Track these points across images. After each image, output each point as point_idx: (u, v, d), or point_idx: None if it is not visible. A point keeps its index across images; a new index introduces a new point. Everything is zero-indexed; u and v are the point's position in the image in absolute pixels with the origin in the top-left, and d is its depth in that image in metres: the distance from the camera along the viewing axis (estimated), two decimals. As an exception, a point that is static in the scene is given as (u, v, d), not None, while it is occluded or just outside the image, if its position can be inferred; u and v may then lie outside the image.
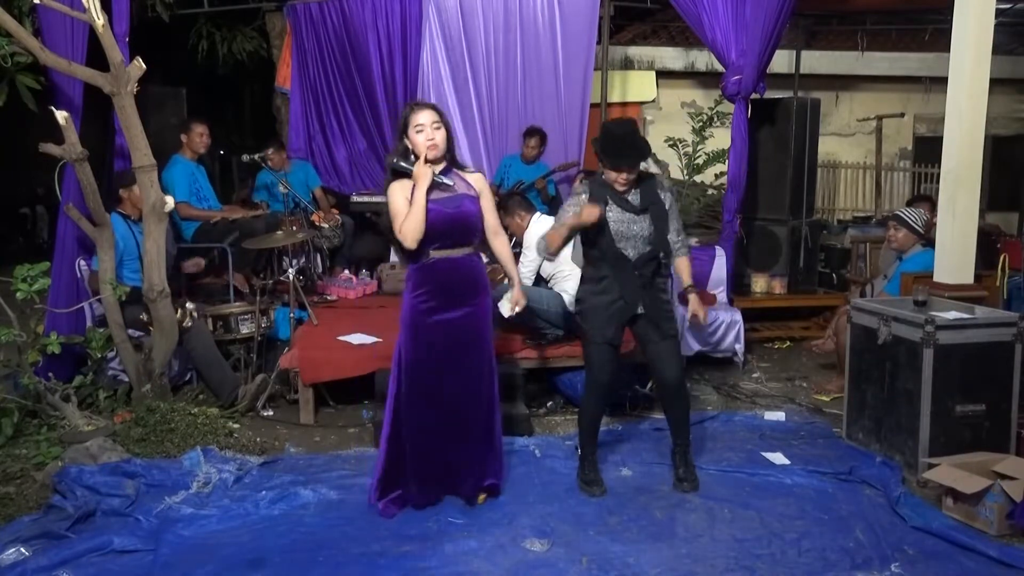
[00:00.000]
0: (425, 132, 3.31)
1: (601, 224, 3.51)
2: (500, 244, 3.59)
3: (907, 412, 3.87)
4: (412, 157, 3.34)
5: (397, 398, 3.41)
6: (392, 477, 3.42)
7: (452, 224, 3.33)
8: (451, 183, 3.37)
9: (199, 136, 5.80)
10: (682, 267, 3.71)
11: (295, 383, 4.67)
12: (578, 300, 3.70)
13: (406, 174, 3.32)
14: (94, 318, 4.80)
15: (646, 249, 3.55)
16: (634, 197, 3.57)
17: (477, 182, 3.46)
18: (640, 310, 3.57)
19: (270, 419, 4.64)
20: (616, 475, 3.85)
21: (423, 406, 3.38)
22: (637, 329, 3.66)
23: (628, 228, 3.53)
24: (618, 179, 3.52)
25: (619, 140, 3.52)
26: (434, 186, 3.31)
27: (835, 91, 9.79)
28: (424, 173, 3.27)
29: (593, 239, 3.56)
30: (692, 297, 3.68)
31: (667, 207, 3.61)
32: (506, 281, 4.83)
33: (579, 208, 3.52)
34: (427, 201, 3.27)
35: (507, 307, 3.73)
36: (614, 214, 3.53)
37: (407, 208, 3.27)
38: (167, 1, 7.00)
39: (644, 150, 3.55)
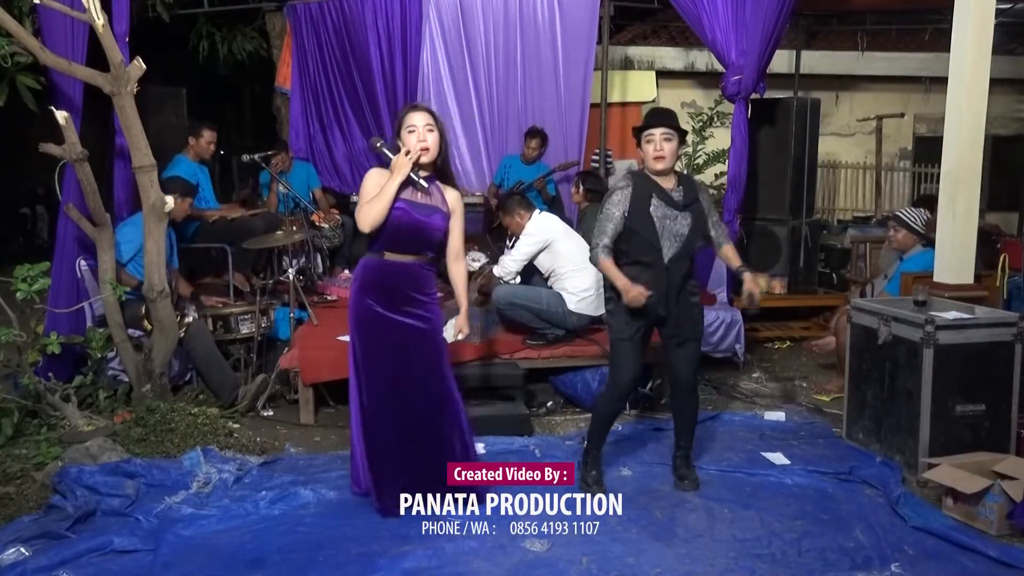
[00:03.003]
0: (417, 133, 3.31)
1: (645, 219, 3.50)
2: (458, 270, 3.55)
3: (907, 412, 3.87)
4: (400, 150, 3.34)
5: (360, 399, 3.40)
6: (382, 477, 3.39)
7: (415, 230, 3.33)
8: (427, 186, 3.36)
9: (207, 144, 5.82)
10: (729, 253, 3.72)
11: (295, 383, 4.67)
12: (608, 299, 3.68)
13: (384, 163, 3.34)
14: (94, 318, 4.80)
15: (681, 247, 3.53)
16: (677, 194, 3.55)
17: (453, 200, 3.44)
18: (664, 312, 3.55)
19: (270, 419, 4.64)
20: (616, 475, 3.85)
21: (384, 405, 3.36)
22: (663, 329, 3.65)
23: (670, 225, 3.52)
24: (657, 152, 3.48)
25: (652, 112, 3.69)
26: (408, 182, 3.31)
27: (835, 91, 9.79)
28: (402, 164, 3.27)
29: (635, 234, 3.53)
30: (747, 276, 3.65)
31: (705, 207, 3.62)
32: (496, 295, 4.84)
33: (623, 209, 3.52)
34: (400, 199, 3.28)
35: (451, 332, 3.64)
36: (657, 209, 3.51)
37: (374, 192, 3.29)
38: (167, 1, 7.01)
39: (676, 118, 3.60)
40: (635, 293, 3.41)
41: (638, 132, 3.58)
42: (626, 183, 3.60)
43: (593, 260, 3.59)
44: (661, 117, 3.59)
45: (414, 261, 3.38)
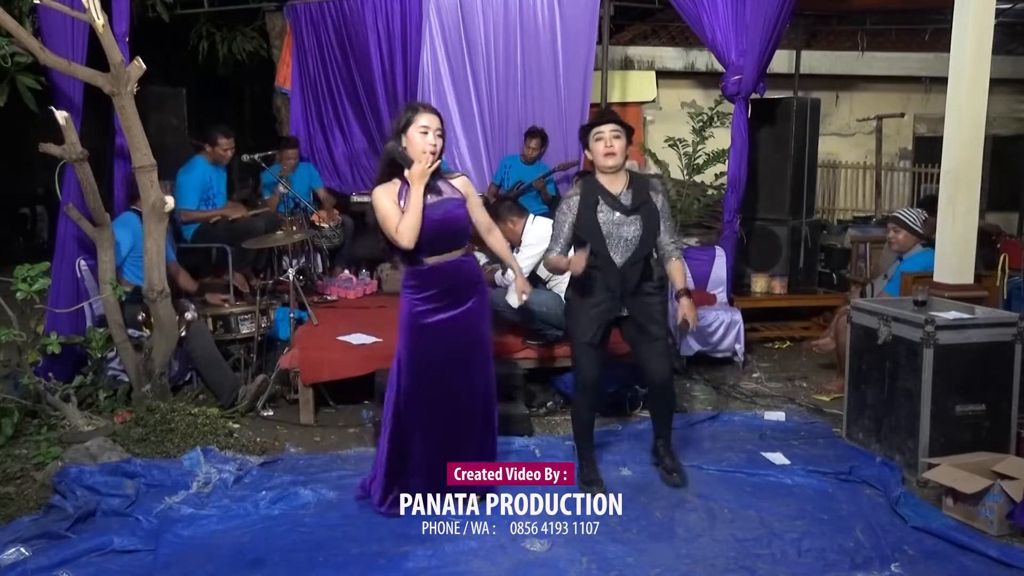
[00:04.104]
0: (429, 136, 3.30)
1: (591, 226, 3.51)
2: (495, 240, 3.60)
3: (907, 412, 3.87)
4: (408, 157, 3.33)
5: (397, 399, 3.41)
6: (393, 479, 3.42)
7: (440, 229, 3.32)
8: (441, 189, 3.38)
9: (224, 151, 5.84)
10: (675, 270, 3.66)
11: (295, 383, 4.67)
12: (566, 299, 3.71)
13: (396, 173, 3.32)
14: (94, 318, 4.80)
15: (633, 252, 3.53)
16: (625, 197, 3.55)
17: (462, 186, 3.45)
18: (624, 312, 3.57)
19: (270, 419, 4.63)
20: (616, 475, 3.85)
21: (426, 405, 3.37)
22: (624, 330, 3.66)
23: (618, 229, 3.52)
24: (608, 148, 3.48)
25: (600, 112, 3.76)
26: (427, 189, 3.30)
27: (835, 91, 9.80)
28: (421, 174, 3.25)
29: (582, 240, 3.55)
30: (683, 302, 3.62)
31: (659, 207, 3.60)
32: (506, 274, 4.86)
33: (572, 217, 3.56)
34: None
35: (515, 298, 3.76)
36: (604, 215, 3.52)
37: (395, 209, 3.27)
38: (167, 1, 7.01)
39: (619, 116, 3.61)
40: (576, 260, 3.44)
41: (586, 131, 3.58)
42: (575, 191, 3.61)
43: (545, 266, 3.69)
44: (609, 114, 3.61)
45: (457, 256, 3.37)
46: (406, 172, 3.28)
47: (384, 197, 3.31)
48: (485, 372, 3.46)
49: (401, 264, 3.45)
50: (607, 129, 3.51)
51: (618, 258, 3.52)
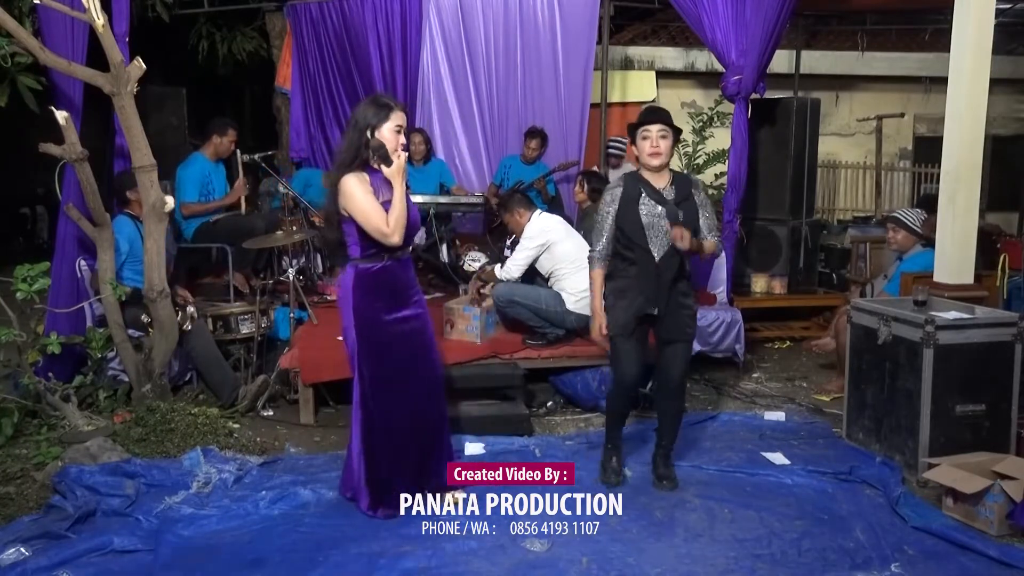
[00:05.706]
0: (402, 134, 3.34)
1: (633, 218, 3.52)
2: None
3: (907, 412, 3.87)
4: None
5: (365, 403, 3.38)
6: (376, 484, 3.40)
7: (410, 227, 3.36)
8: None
9: (229, 143, 5.85)
10: (707, 242, 3.61)
11: (295, 383, 4.67)
12: (605, 296, 3.69)
13: (362, 164, 3.29)
14: (94, 318, 4.80)
15: (670, 247, 3.52)
16: (668, 192, 3.56)
17: None
18: (655, 311, 3.56)
19: (270, 419, 4.63)
20: (616, 475, 3.85)
21: (391, 406, 3.37)
22: (656, 327, 3.67)
23: (659, 222, 3.52)
24: (653, 148, 3.49)
25: (649, 109, 3.71)
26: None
27: (835, 91, 9.80)
28: (400, 171, 3.26)
29: (623, 233, 3.55)
30: (695, 241, 3.51)
31: (699, 203, 3.61)
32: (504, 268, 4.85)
33: (615, 208, 3.56)
34: (390, 201, 3.28)
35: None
36: (646, 207, 3.53)
37: (377, 203, 3.24)
38: (167, 1, 7.01)
39: (671, 117, 3.62)
40: (596, 332, 3.60)
41: (634, 128, 3.60)
42: (617, 184, 3.63)
43: (589, 266, 3.68)
44: (658, 114, 3.61)
45: (405, 255, 3.41)
46: (384, 169, 3.25)
47: (360, 189, 3.24)
48: (438, 372, 3.51)
49: (350, 263, 3.37)
50: (655, 129, 3.52)
51: (656, 251, 3.53)
